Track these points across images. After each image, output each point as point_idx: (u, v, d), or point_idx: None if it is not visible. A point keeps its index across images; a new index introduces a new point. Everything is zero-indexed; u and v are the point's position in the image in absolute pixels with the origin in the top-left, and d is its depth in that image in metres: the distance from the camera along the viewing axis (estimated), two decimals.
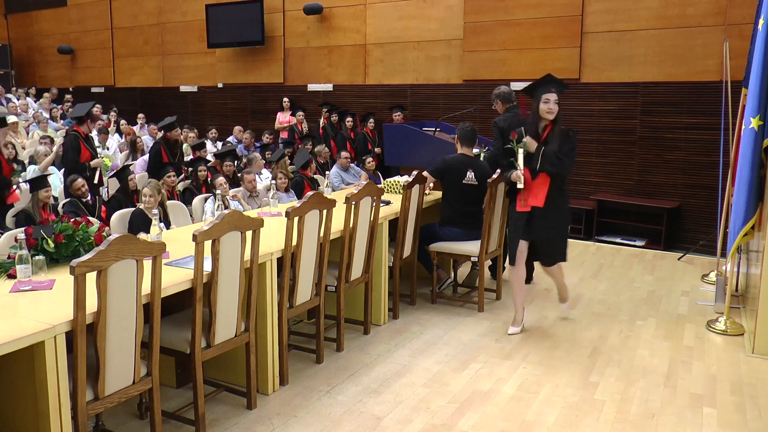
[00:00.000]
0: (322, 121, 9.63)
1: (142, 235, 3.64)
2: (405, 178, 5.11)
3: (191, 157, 7.77)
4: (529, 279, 5.87)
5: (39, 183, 5.15)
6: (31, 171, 7.24)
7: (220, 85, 11.48)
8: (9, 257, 3.25)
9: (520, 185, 4.27)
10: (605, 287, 5.78)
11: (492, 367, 4.07)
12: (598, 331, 4.68)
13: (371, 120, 9.37)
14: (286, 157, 7.43)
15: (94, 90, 13.17)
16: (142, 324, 2.83)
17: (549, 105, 4.23)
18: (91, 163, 6.60)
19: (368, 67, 9.79)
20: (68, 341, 2.54)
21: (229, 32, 10.81)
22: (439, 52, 9.08)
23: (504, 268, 5.76)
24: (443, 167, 5.14)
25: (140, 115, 11.09)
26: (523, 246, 4.44)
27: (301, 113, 9.99)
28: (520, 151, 4.27)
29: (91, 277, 2.54)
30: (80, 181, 5.68)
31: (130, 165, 6.88)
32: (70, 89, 13.33)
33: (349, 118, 9.47)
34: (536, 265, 6.03)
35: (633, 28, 7.60)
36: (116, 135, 10.12)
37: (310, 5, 9.92)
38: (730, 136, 5.67)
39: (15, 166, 6.42)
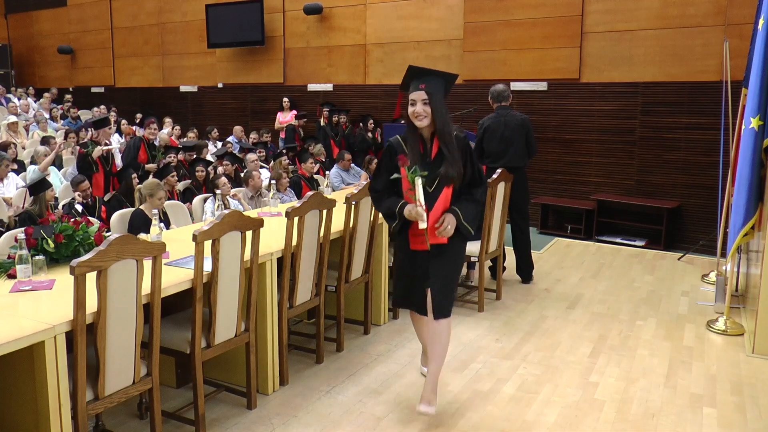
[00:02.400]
0: (322, 121, 9.63)
1: (142, 235, 3.64)
2: None
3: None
4: (528, 278, 5.89)
5: (42, 185, 5.14)
6: (31, 171, 7.24)
7: (220, 85, 11.48)
8: (9, 257, 3.25)
9: (422, 224, 3.15)
10: (605, 287, 5.78)
11: (492, 367, 4.07)
12: (598, 331, 4.68)
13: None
14: (284, 157, 7.43)
15: (94, 90, 13.18)
16: (142, 324, 2.83)
17: (415, 108, 3.14)
18: (147, 166, 6.88)
19: (368, 67, 9.79)
20: (68, 341, 2.54)
21: (229, 32, 10.81)
22: (439, 52, 9.08)
23: (504, 268, 5.76)
24: None
25: (140, 115, 11.10)
26: (422, 296, 3.33)
27: (303, 120, 10.05)
28: (419, 181, 3.12)
29: (91, 277, 2.54)
30: (86, 183, 5.73)
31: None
32: (70, 89, 13.33)
33: (371, 121, 9.50)
34: (529, 263, 6.06)
35: (633, 28, 7.60)
36: (116, 135, 10.11)
37: (310, 5, 9.93)
38: (730, 136, 5.67)
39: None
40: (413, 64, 3.23)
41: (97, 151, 6.92)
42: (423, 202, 3.12)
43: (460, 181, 3.23)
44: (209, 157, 8.47)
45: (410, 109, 3.16)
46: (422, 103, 3.13)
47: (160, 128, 9.20)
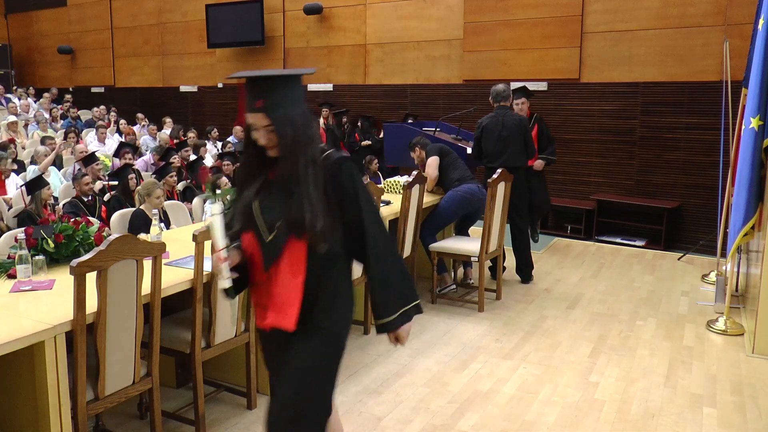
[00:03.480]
0: (321, 121, 9.60)
1: (142, 235, 3.64)
2: (405, 179, 5.12)
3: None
4: (528, 278, 5.89)
5: (38, 183, 5.15)
6: (32, 171, 7.24)
7: (220, 85, 11.48)
8: (9, 257, 3.25)
9: (224, 283, 2.08)
10: (605, 287, 5.78)
11: (492, 367, 4.07)
12: (598, 331, 4.68)
13: (410, 120, 9.28)
14: None
15: (94, 90, 13.17)
16: (142, 324, 2.83)
17: (259, 136, 2.05)
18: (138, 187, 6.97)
19: (368, 67, 9.79)
20: (68, 341, 2.54)
21: (229, 32, 10.81)
22: (439, 52, 9.08)
23: (504, 268, 5.76)
24: (438, 148, 5.61)
25: (140, 115, 11.09)
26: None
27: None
28: (212, 210, 2.24)
29: (91, 277, 2.54)
30: (87, 178, 5.73)
31: (132, 165, 6.90)
32: (70, 89, 13.33)
33: (344, 119, 9.46)
34: (531, 261, 6.06)
35: (633, 28, 7.60)
36: (116, 135, 10.11)
37: (310, 5, 9.92)
38: (730, 136, 5.67)
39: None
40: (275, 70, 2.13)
41: (98, 185, 6.91)
42: (219, 245, 2.10)
43: (324, 232, 2.02)
44: (209, 157, 8.48)
45: (253, 134, 2.07)
46: (266, 131, 2.03)
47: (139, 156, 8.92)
